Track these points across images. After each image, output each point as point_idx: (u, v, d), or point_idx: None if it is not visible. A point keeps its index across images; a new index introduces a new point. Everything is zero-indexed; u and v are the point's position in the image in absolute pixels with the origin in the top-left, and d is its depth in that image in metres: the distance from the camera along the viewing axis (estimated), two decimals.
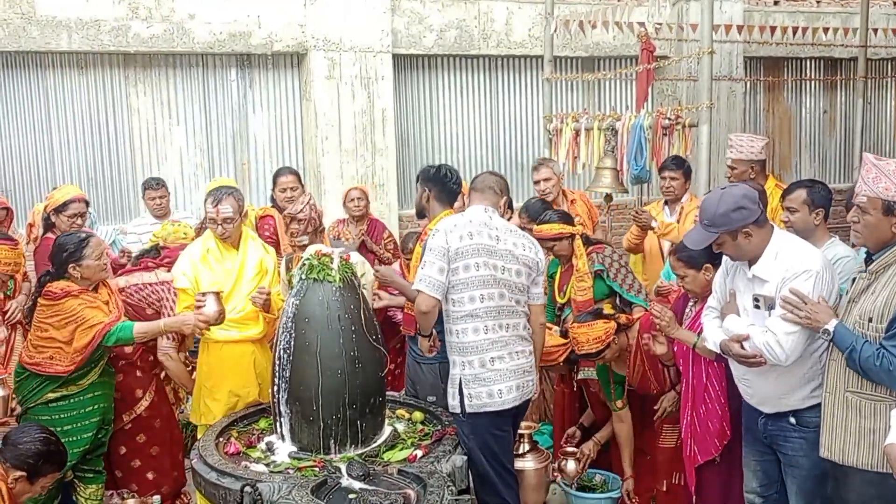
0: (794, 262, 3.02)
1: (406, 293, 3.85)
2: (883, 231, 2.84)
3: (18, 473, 3.14)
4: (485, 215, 3.58)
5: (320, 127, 8.10)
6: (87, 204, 4.89)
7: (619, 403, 4.13)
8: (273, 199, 5.70)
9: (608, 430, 4.32)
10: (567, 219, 4.55)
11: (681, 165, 5.39)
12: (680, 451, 3.91)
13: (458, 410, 3.53)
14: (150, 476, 4.34)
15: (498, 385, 3.50)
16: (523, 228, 5.01)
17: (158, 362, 4.30)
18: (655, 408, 3.98)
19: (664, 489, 4.07)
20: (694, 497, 3.78)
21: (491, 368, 3.49)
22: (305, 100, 8.33)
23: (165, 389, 4.44)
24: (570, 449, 4.34)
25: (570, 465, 4.26)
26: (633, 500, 4.18)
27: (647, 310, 4.08)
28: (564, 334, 4.24)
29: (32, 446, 3.21)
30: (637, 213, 5.33)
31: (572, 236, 4.44)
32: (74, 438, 3.88)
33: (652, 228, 5.21)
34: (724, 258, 3.34)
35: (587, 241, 4.49)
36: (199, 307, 3.78)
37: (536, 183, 5.58)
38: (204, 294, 3.82)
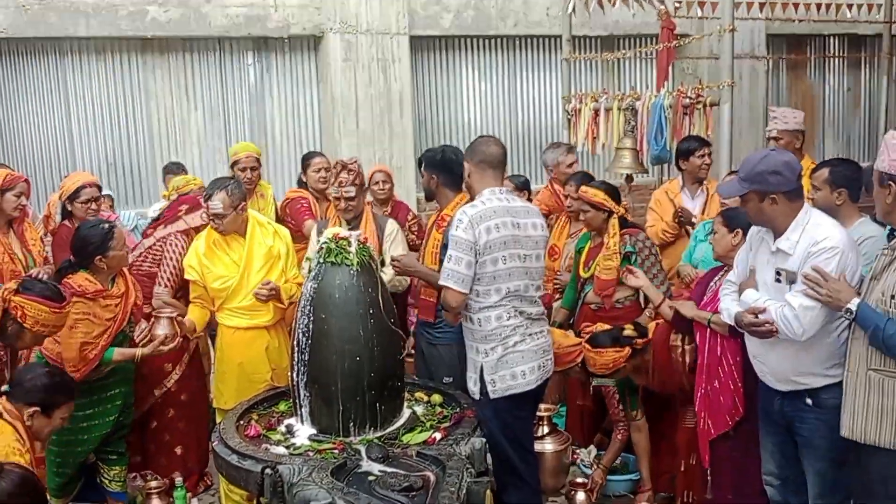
0: (818, 238, 2.99)
1: (430, 282, 3.82)
2: None
3: (32, 409, 3.10)
4: (505, 200, 3.51)
5: (337, 110, 8.09)
6: (100, 189, 4.89)
7: (635, 414, 4.18)
8: (300, 182, 5.68)
9: (614, 452, 4.32)
10: (615, 195, 4.53)
11: (707, 143, 5.34)
12: (692, 434, 3.94)
13: (480, 396, 3.51)
14: (178, 451, 4.40)
15: (521, 367, 3.48)
16: (567, 198, 4.99)
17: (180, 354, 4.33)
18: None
19: (682, 469, 4.07)
20: (708, 471, 3.78)
21: (514, 351, 3.47)
22: (322, 83, 8.32)
23: (199, 364, 4.44)
24: (579, 480, 4.27)
25: (581, 497, 4.18)
26: None
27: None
28: (577, 333, 4.22)
29: (39, 381, 3.16)
30: (680, 210, 5.21)
31: (611, 213, 4.42)
32: (96, 422, 3.91)
33: (692, 225, 5.10)
34: (749, 235, 3.33)
35: (623, 223, 4.47)
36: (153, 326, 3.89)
37: (569, 166, 5.53)
38: (159, 315, 3.92)
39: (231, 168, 5.67)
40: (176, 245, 4.37)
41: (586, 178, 5.00)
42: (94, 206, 4.75)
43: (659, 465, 4.25)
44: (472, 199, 3.63)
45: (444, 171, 3.96)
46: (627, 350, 3.85)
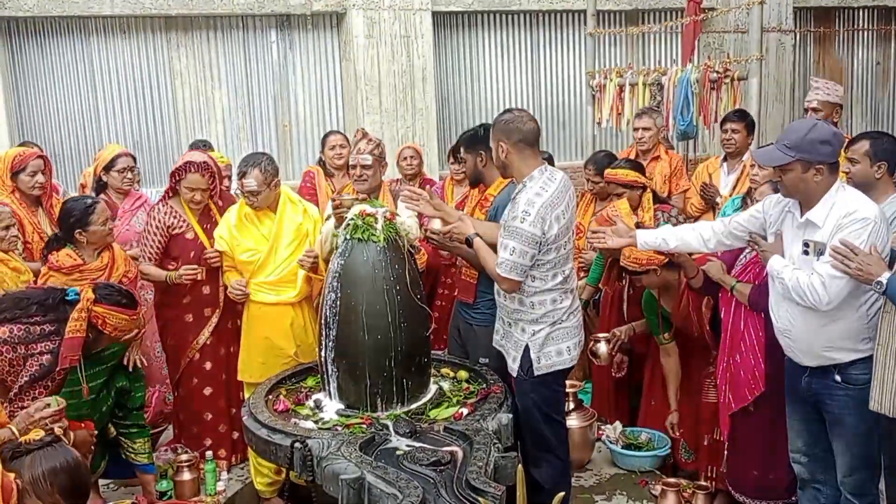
0: (850, 209, 2.96)
1: (471, 262, 3.75)
2: None
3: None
4: (556, 180, 3.41)
5: (360, 87, 8.08)
6: (135, 159, 4.96)
7: (665, 336, 4.16)
8: (321, 162, 5.72)
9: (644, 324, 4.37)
10: (639, 168, 4.53)
11: (744, 118, 5.23)
12: (712, 409, 3.99)
13: (520, 373, 3.50)
14: (208, 417, 4.46)
15: (566, 343, 3.51)
16: (588, 181, 4.97)
17: (214, 303, 4.38)
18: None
19: (705, 444, 4.10)
20: (726, 445, 3.79)
21: (560, 328, 3.49)
22: (345, 60, 8.30)
23: (228, 335, 4.46)
24: (601, 334, 4.41)
25: (602, 348, 4.37)
26: (679, 433, 4.20)
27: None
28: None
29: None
30: (705, 185, 5.17)
31: (644, 188, 4.39)
32: (104, 393, 3.81)
33: (717, 204, 5.05)
34: (768, 202, 3.30)
35: (655, 199, 4.46)
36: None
37: (636, 130, 5.52)
38: None
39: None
40: (156, 213, 4.33)
41: (607, 159, 4.98)
42: (129, 174, 4.81)
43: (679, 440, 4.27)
44: (504, 177, 3.60)
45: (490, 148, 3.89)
46: (665, 258, 3.84)
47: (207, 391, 4.43)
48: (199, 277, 4.24)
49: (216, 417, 4.47)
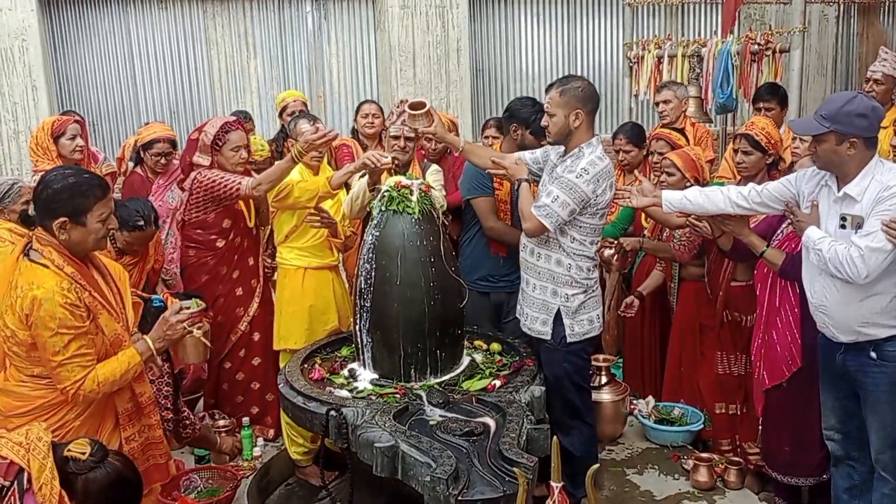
0: (890, 182, 2.92)
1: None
2: None
3: (60, 220, 2.71)
4: (605, 153, 3.49)
5: (395, 58, 8.04)
6: (175, 145, 4.95)
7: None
8: (354, 132, 5.74)
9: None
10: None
11: (775, 93, 5.13)
12: (727, 381, 4.11)
13: (551, 338, 3.53)
14: (255, 386, 4.52)
15: (596, 311, 3.58)
16: (619, 152, 4.97)
17: (257, 273, 4.43)
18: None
19: (717, 413, 4.20)
20: (760, 421, 3.81)
21: (592, 296, 3.55)
22: (380, 31, 8.26)
23: (270, 305, 4.49)
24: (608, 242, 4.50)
25: (606, 252, 4.47)
26: None
27: None
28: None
29: (53, 190, 2.72)
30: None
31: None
32: None
33: None
34: (802, 175, 3.26)
35: None
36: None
37: (657, 104, 5.48)
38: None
39: (280, 115, 5.74)
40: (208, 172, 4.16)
41: (637, 128, 4.95)
42: (163, 160, 4.84)
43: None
44: (556, 143, 3.56)
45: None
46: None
47: (256, 361, 4.49)
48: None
49: (263, 386, 4.53)
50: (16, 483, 2.28)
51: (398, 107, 4.34)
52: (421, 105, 3.80)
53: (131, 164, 5.12)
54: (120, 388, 2.88)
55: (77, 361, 2.71)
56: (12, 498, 2.26)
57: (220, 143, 4.14)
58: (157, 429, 3.11)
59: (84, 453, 2.42)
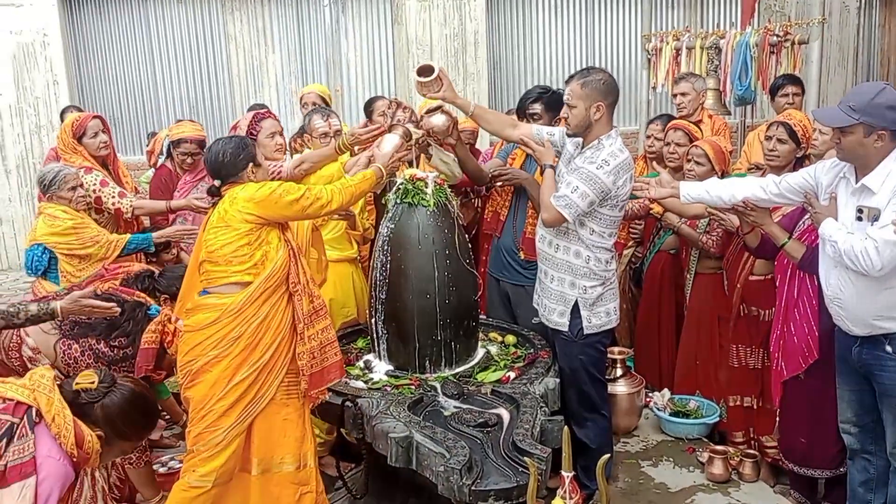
0: None
1: (533, 195, 3.83)
2: None
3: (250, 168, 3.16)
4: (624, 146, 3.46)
5: (412, 51, 8.06)
6: (202, 145, 4.88)
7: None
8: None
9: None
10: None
11: (797, 82, 5.12)
12: (742, 374, 4.05)
13: (568, 330, 3.52)
14: None
15: (613, 303, 3.56)
16: (654, 140, 4.95)
17: None
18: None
19: (731, 405, 4.16)
20: (778, 412, 3.79)
21: (610, 288, 3.53)
22: (397, 24, 8.28)
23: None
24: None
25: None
26: None
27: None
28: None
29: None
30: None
31: None
32: None
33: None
34: (820, 167, 3.23)
35: None
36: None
37: (674, 96, 5.46)
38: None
39: (302, 107, 5.79)
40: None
41: (670, 118, 4.97)
42: (189, 159, 4.88)
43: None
44: (576, 136, 3.48)
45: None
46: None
47: None
48: None
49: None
50: (25, 418, 2.34)
51: (389, 107, 4.22)
52: (429, 70, 3.67)
53: (161, 158, 5.21)
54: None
55: (314, 191, 3.13)
56: (22, 429, 2.31)
57: (256, 133, 4.09)
58: None
59: (93, 382, 2.51)
